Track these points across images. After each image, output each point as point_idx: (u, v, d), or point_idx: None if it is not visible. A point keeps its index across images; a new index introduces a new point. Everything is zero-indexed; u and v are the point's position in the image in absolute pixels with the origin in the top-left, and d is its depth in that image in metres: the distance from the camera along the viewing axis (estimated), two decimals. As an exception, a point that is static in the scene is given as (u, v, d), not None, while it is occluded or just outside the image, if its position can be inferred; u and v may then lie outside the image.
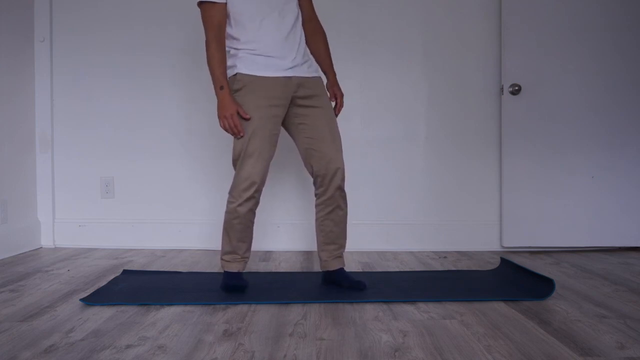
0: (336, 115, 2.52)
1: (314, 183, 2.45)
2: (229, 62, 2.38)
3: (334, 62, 3.66)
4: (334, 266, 2.49)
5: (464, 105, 3.58)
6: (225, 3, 2.33)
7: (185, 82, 3.60)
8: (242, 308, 2.18)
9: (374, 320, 2.03)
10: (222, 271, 2.54)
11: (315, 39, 2.58)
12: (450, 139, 3.59)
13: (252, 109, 2.32)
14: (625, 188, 3.45)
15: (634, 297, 2.33)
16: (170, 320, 2.03)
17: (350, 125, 3.58)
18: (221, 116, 2.30)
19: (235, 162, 2.36)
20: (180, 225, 3.63)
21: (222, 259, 2.44)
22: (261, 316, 2.08)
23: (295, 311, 2.14)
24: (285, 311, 2.14)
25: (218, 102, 2.32)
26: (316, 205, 2.47)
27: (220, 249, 2.43)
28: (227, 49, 2.39)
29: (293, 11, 2.40)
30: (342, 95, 2.58)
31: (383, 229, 3.58)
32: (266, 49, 2.34)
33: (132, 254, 3.43)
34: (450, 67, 3.59)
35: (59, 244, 3.68)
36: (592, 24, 3.42)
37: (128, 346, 1.76)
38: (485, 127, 3.58)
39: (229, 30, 2.37)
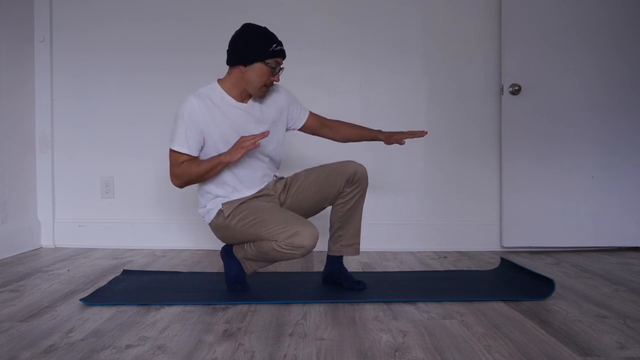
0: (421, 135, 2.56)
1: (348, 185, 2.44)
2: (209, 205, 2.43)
3: (334, 60, 3.67)
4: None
5: (464, 105, 3.58)
6: (194, 157, 2.33)
7: (187, 81, 3.59)
8: (242, 308, 2.18)
9: (374, 320, 2.03)
10: (223, 269, 2.54)
11: (340, 131, 2.66)
12: (450, 138, 3.58)
13: (256, 206, 2.34)
14: (625, 188, 3.45)
15: (634, 297, 2.33)
16: (170, 320, 2.03)
17: (350, 125, 3.59)
18: (241, 150, 2.24)
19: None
20: (180, 225, 3.63)
21: (246, 260, 2.41)
22: (261, 316, 2.08)
23: (295, 311, 2.14)
24: (285, 311, 2.14)
25: (230, 156, 2.26)
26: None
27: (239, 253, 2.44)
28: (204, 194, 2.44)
29: (268, 161, 2.47)
30: (409, 133, 2.57)
31: (383, 229, 3.57)
32: (241, 187, 2.41)
33: (132, 254, 3.43)
34: (450, 67, 3.58)
35: (59, 244, 3.67)
36: (592, 24, 3.42)
37: (128, 346, 1.76)
38: (485, 127, 3.58)
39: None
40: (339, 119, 2.70)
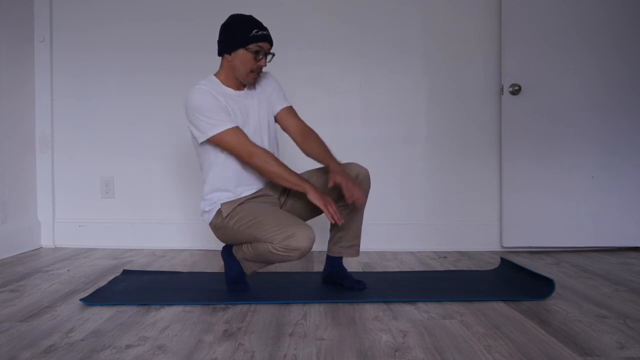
0: (355, 204, 2.32)
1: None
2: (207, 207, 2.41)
3: (334, 60, 3.67)
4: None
5: (464, 105, 3.58)
6: (237, 127, 2.28)
7: (187, 81, 3.58)
8: (242, 308, 2.18)
9: (374, 320, 2.03)
10: (224, 270, 2.54)
11: (309, 146, 2.45)
12: (450, 138, 3.59)
13: (254, 207, 2.33)
14: (625, 188, 3.45)
15: (634, 297, 2.33)
16: (170, 320, 2.03)
17: (350, 125, 3.59)
18: (322, 203, 2.22)
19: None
20: (180, 225, 3.63)
21: (245, 260, 2.40)
22: (261, 316, 2.08)
23: (295, 311, 2.14)
24: (285, 311, 2.14)
25: (312, 192, 2.22)
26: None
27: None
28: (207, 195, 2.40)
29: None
30: (351, 189, 2.25)
31: (383, 229, 3.57)
32: (241, 186, 2.39)
33: (132, 254, 3.43)
34: (450, 67, 3.59)
35: (59, 244, 3.68)
36: (592, 24, 3.42)
37: (128, 346, 1.76)
38: (485, 127, 3.58)
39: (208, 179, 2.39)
40: (316, 133, 2.49)
